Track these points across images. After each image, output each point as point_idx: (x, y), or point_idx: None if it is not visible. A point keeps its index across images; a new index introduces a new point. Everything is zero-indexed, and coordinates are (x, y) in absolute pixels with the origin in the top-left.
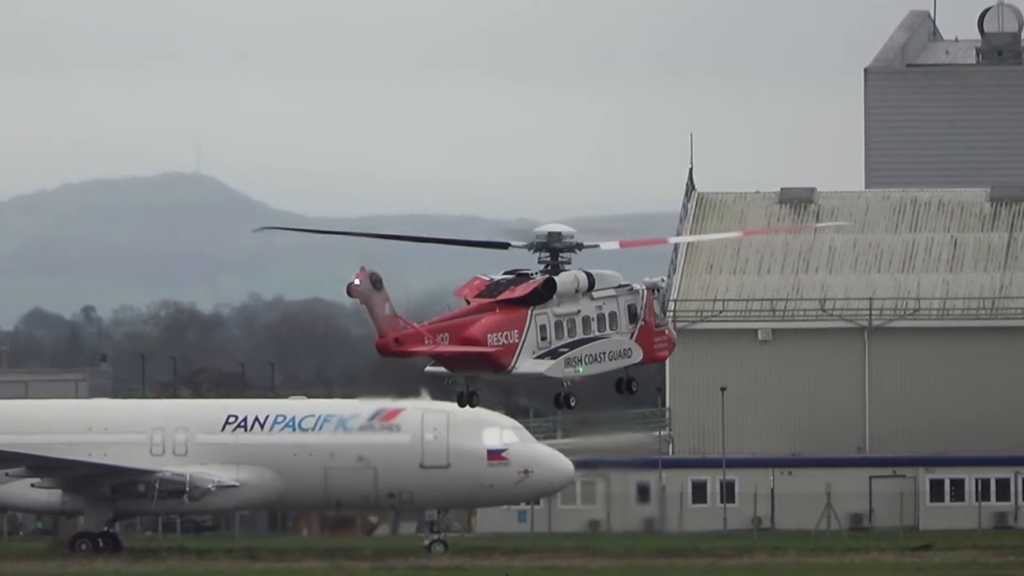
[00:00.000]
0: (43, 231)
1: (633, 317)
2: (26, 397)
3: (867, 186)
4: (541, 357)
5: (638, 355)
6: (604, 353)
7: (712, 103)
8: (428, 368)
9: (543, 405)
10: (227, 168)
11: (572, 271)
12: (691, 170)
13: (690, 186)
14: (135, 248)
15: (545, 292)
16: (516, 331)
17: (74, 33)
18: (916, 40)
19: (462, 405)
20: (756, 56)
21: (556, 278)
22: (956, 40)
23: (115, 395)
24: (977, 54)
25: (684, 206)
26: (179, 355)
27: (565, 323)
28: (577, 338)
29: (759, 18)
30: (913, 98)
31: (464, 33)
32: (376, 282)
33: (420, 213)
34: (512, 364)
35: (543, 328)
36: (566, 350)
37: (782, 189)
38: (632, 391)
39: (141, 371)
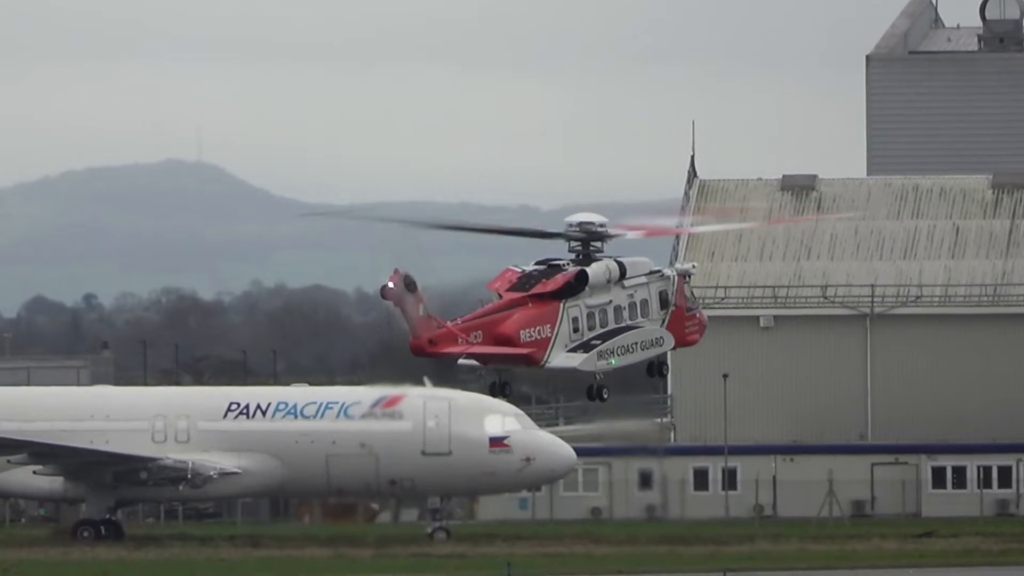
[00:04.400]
0: (45, 218)
1: (664, 303)
2: (28, 384)
3: (869, 173)
4: (574, 350)
5: (670, 343)
6: (636, 343)
7: (713, 90)
8: (461, 360)
9: (545, 392)
10: (229, 156)
11: (603, 261)
12: (693, 157)
13: (692, 173)
14: (137, 235)
15: (577, 284)
16: (549, 325)
17: (75, 21)
18: (918, 27)
19: (494, 395)
20: (758, 43)
21: (588, 269)
22: (958, 27)
23: (117, 382)
24: (979, 41)
25: (686, 193)
26: (181, 342)
27: (597, 314)
28: (609, 328)
29: (761, 5)
30: (915, 85)
31: (464, 22)
32: (410, 284)
33: (421, 200)
34: (545, 359)
35: (575, 320)
36: (598, 342)
37: (784, 176)
38: (663, 374)
39: (143, 358)
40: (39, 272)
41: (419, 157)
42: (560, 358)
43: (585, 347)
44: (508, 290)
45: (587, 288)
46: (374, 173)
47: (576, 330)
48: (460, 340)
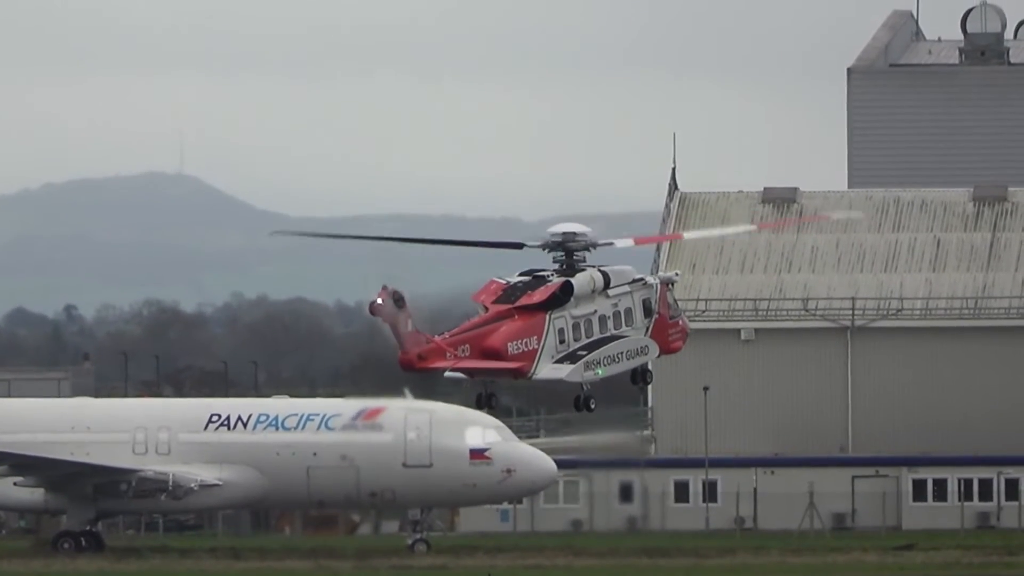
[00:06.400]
0: (26, 230)
1: (648, 311)
2: (8, 396)
3: (850, 186)
4: (560, 362)
5: (655, 352)
6: (622, 353)
7: (695, 102)
8: (447, 373)
9: (526, 404)
10: (210, 168)
11: (588, 271)
12: (674, 170)
13: (673, 186)
14: (118, 247)
15: (563, 296)
16: (535, 337)
17: (56, 31)
18: (899, 40)
19: (480, 407)
20: (739, 55)
21: (573, 280)
22: (939, 40)
23: (98, 394)
24: (960, 54)
25: (667, 206)
26: (162, 354)
27: (582, 324)
28: (595, 339)
29: (742, 17)
30: (896, 98)
31: (444, 32)
32: (398, 301)
33: (403, 212)
34: (532, 371)
35: (561, 331)
36: (584, 353)
37: (765, 189)
38: (647, 381)
39: (124, 370)
40: (20, 283)
41: (402, 169)
42: (547, 370)
43: (571, 358)
44: (494, 302)
45: (572, 299)
46: (356, 185)
47: (562, 341)
48: (449, 355)
